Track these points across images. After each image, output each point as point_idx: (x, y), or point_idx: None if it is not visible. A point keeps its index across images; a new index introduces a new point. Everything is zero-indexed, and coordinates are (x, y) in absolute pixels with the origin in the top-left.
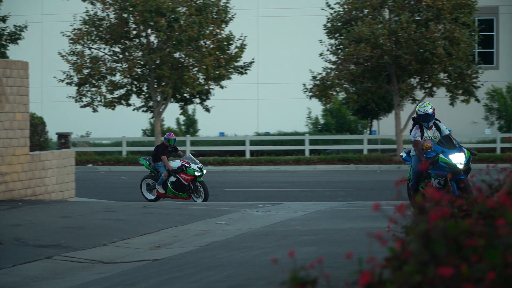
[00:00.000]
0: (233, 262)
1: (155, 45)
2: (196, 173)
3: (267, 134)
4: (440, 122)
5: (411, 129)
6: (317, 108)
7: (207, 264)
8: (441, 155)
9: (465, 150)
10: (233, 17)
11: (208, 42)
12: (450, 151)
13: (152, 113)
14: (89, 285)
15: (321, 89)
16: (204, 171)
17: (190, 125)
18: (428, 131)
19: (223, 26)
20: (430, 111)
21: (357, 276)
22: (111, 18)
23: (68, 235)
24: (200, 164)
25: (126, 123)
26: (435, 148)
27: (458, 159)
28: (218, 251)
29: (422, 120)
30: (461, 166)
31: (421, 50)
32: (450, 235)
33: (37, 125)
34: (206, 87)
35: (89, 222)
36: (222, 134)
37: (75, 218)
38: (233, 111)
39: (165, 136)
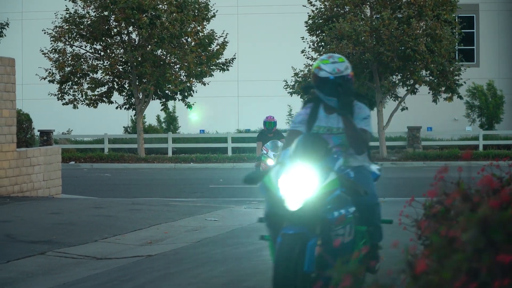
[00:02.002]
0: (228, 258)
1: (136, 43)
2: (268, 162)
3: (248, 131)
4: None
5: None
6: (298, 105)
7: (202, 260)
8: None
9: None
10: (215, 15)
11: (189, 39)
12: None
13: (134, 110)
14: (86, 280)
15: (303, 85)
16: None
17: (171, 122)
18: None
19: (205, 23)
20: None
21: (402, 265)
22: (92, 16)
23: (59, 231)
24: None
25: (107, 120)
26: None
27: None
28: (211, 247)
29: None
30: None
31: (402, 48)
32: (508, 222)
33: (23, 122)
34: (188, 84)
35: (79, 219)
36: (202, 131)
37: (64, 214)
38: (213, 109)
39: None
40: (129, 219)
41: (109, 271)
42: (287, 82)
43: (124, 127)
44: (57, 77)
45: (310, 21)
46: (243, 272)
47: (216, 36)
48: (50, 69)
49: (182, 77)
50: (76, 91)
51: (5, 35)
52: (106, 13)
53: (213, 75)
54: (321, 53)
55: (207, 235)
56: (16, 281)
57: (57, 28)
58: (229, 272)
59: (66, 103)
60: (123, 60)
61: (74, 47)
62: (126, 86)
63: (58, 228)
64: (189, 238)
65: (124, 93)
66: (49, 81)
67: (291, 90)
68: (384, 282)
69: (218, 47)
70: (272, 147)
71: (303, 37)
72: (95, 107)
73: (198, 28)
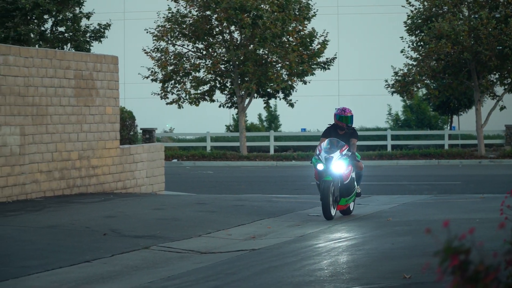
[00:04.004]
0: (331, 251)
1: (238, 42)
2: (319, 167)
3: None
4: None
5: None
6: (397, 104)
7: (305, 254)
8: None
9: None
10: (315, 14)
11: (291, 38)
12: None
13: (236, 109)
14: (190, 273)
15: (402, 84)
16: (333, 167)
17: (272, 120)
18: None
19: (306, 22)
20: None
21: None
22: (194, 15)
23: (163, 226)
24: (336, 154)
25: (209, 118)
26: None
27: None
28: (313, 241)
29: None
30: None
31: (500, 47)
32: None
33: (126, 119)
34: (290, 83)
35: (182, 214)
36: (304, 130)
37: (168, 210)
38: (314, 107)
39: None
40: (232, 214)
41: (213, 264)
42: (387, 81)
43: (226, 125)
44: (160, 76)
45: (409, 21)
46: (346, 265)
47: (317, 35)
48: (153, 68)
49: (283, 75)
50: (179, 90)
51: (106, 37)
52: (208, 12)
53: (314, 74)
54: (420, 52)
55: (309, 230)
56: (120, 274)
57: (160, 28)
58: (332, 265)
59: (170, 103)
60: (225, 59)
61: (176, 46)
62: (228, 84)
63: (162, 223)
64: (291, 233)
65: (226, 92)
66: (152, 80)
67: (391, 90)
68: (489, 262)
69: (319, 46)
70: (327, 147)
71: (402, 37)
72: (197, 105)
73: (299, 27)
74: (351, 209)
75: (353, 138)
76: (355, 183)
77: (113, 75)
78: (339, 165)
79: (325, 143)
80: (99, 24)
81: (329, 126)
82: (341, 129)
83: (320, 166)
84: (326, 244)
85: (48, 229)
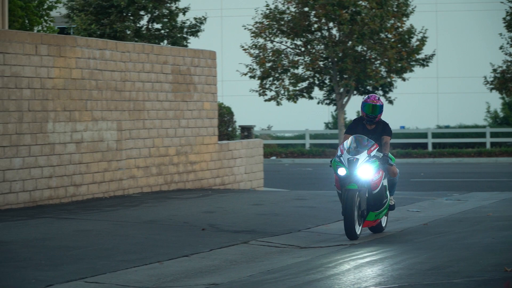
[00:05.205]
0: (431, 246)
1: (337, 38)
2: (340, 172)
3: (447, 127)
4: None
5: None
6: (495, 102)
7: (405, 248)
8: None
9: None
10: (413, 11)
11: (389, 35)
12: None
13: (334, 106)
14: (290, 267)
15: (501, 82)
16: (359, 172)
17: None
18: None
19: (404, 19)
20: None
21: None
22: (292, 12)
23: (262, 221)
24: (363, 155)
25: (308, 116)
26: None
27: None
28: (414, 236)
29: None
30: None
31: None
32: None
33: (224, 115)
34: (389, 80)
35: (281, 210)
36: (402, 127)
37: (266, 205)
38: (413, 105)
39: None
40: (333, 210)
41: (313, 258)
42: (486, 78)
43: (324, 122)
44: (258, 72)
45: (508, 17)
46: (446, 258)
47: (415, 32)
48: (251, 65)
49: (382, 72)
50: (278, 87)
51: (203, 30)
52: (306, 9)
53: (413, 71)
54: None
55: (409, 225)
56: (219, 268)
57: (257, 24)
58: (433, 259)
59: (269, 100)
60: (324, 56)
61: (274, 43)
62: (326, 81)
63: (261, 219)
64: (392, 228)
65: (324, 89)
66: (250, 76)
67: (490, 86)
68: None
69: (418, 43)
70: (352, 146)
71: (501, 33)
72: (295, 102)
73: (398, 24)
74: (383, 225)
75: (386, 135)
76: (387, 192)
77: (211, 70)
78: (366, 170)
79: (348, 141)
80: (195, 18)
81: (355, 119)
82: (370, 122)
83: (341, 171)
84: (425, 239)
85: (146, 224)
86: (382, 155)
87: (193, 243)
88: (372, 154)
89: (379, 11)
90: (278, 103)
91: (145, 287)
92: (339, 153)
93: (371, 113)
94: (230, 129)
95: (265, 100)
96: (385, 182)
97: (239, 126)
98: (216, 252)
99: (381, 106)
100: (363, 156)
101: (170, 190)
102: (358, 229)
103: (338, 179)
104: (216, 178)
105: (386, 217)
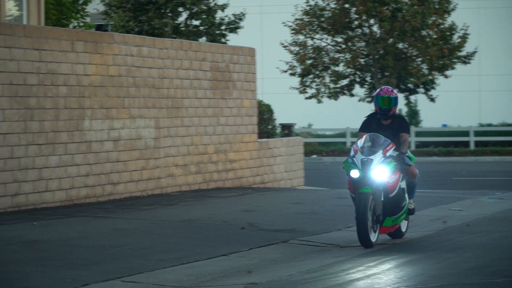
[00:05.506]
0: (473, 245)
1: (377, 35)
2: (353, 174)
3: (490, 125)
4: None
5: None
6: None
7: (447, 247)
8: None
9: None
10: (455, 8)
11: (431, 32)
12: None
13: None
14: (329, 266)
15: None
16: (373, 174)
17: (413, 115)
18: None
19: (445, 16)
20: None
21: None
22: (333, 9)
23: (302, 220)
24: (378, 155)
25: (348, 113)
26: None
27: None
28: (455, 235)
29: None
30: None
31: None
32: None
33: (264, 113)
34: (430, 77)
35: (321, 208)
36: (444, 125)
37: (307, 204)
38: (455, 103)
39: None
40: None
41: (353, 257)
42: None
43: None
44: (298, 70)
45: None
46: (488, 257)
47: (457, 28)
48: (291, 62)
49: (423, 70)
50: (318, 85)
51: (242, 27)
52: (347, 5)
53: (455, 68)
54: None
55: (451, 224)
56: (258, 267)
57: (298, 21)
58: (475, 258)
59: (309, 97)
60: (365, 53)
61: (314, 40)
62: (367, 79)
63: (301, 218)
64: (433, 226)
65: (365, 86)
66: (290, 74)
67: None
68: None
69: (460, 40)
70: (367, 145)
71: None
72: (336, 99)
73: (439, 20)
74: (404, 230)
75: (404, 133)
76: (406, 195)
77: (250, 67)
78: (381, 171)
79: (362, 140)
80: (233, 15)
81: (369, 115)
82: (384, 116)
83: (354, 173)
84: (467, 238)
85: (184, 223)
86: (397, 153)
87: (232, 242)
88: (388, 154)
89: (420, 7)
90: (319, 101)
91: (183, 286)
92: (352, 153)
93: (386, 106)
94: (270, 127)
95: (306, 98)
96: (403, 185)
97: (279, 124)
98: (255, 251)
99: (396, 98)
100: (378, 157)
101: (209, 189)
102: (373, 237)
103: (351, 182)
104: (255, 177)
105: (406, 221)
